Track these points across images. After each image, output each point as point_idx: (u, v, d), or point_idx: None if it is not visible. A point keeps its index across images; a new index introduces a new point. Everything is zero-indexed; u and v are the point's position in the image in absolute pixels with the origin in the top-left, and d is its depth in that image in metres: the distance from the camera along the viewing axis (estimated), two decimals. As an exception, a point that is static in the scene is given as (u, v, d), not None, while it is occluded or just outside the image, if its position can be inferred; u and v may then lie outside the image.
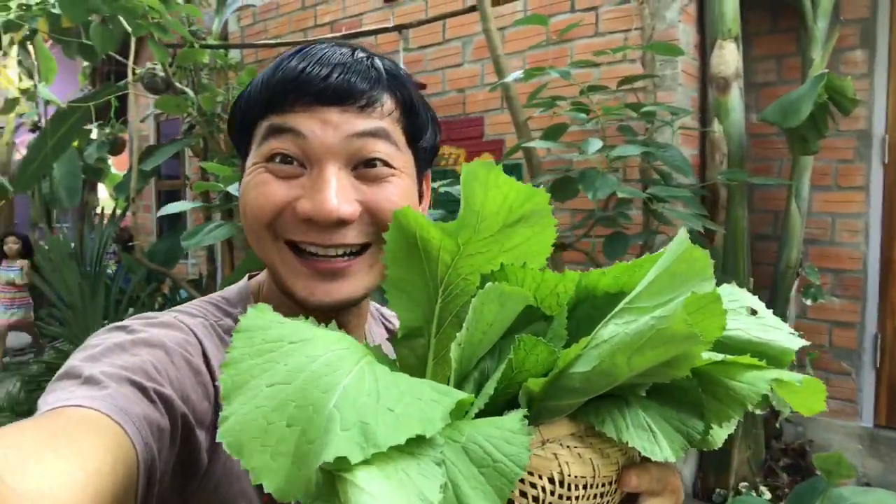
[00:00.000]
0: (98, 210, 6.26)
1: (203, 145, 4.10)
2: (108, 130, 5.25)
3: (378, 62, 0.67)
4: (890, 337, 3.08)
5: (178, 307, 0.71)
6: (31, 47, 5.42)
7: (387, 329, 0.88)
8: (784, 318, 3.13)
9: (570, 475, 0.46)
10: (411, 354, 0.56)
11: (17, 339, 6.15)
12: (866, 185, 3.06)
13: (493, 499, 0.38)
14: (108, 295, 4.24)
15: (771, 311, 0.56)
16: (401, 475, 0.36)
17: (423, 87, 3.36)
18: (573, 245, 2.25)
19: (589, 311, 0.53)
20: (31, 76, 6.11)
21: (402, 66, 2.97)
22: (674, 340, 0.41)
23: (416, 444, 0.37)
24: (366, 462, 0.35)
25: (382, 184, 0.65)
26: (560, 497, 0.46)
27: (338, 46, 0.67)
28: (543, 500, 0.45)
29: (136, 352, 0.58)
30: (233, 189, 2.13)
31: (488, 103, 3.31)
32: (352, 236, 0.65)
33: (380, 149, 0.65)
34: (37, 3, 3.82)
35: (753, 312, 0.55)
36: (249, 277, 0.78)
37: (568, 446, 0.47)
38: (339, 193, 0.63)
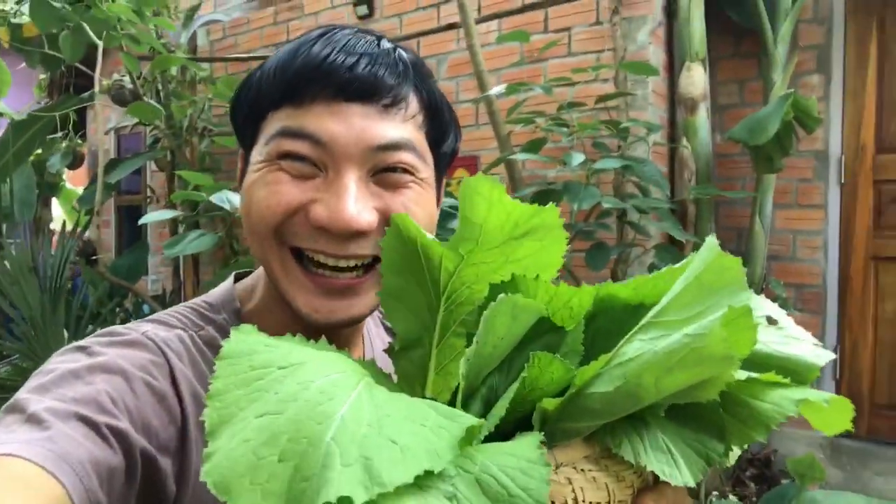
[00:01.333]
0: (52, 226, 6.09)
1: (170, 158, 4.05)
2: (65, 144, 5.13)
3: (404, 54, 0.63)
4: (849, 349, 3.21)
5: (156, 314, 0.66)
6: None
7: (385, 328, 0.83)
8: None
9: (584, 500, 0.44)
10: (410, 366, 0.53)
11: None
12: (824, 203, 3.20)
13: None
14: (69, 310, 4.12)
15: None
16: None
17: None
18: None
19: (607, 325, 0.50)
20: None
21: None
22: (709, 361, 0.39)
23: (424, 477, 0.33)
24: (371, 503, 0.31)
25: (402, 192, 0.62)
26: None
27: (362, 33, 0.63)
28: None
29: (90, 380, 0.54)
30: (215, 199, 2.12)
31: (463, 120, 3.35)
32: (366, 248, 0.60)
33: (404, 159, 0.61)
34: (-1, 12, 3.76)
35: (773, 322, 0.52)
36: (236, 278, 0.73)
37: (582, 470, 0.45)
38: (358, 202, 0.58)
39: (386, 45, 0.62)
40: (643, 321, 0.44)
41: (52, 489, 0.45)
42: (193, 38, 4.54)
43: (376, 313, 0.82)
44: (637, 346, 0.42)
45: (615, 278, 2.09)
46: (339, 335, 0.68)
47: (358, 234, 0.59)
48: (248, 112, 0.63)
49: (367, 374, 0.41)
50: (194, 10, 4.24)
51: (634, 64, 2.28)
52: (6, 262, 3.88)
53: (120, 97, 3.83)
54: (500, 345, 0.47)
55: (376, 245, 0.57)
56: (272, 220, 0.60)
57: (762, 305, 0.53)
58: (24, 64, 4.25)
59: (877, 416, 3.18)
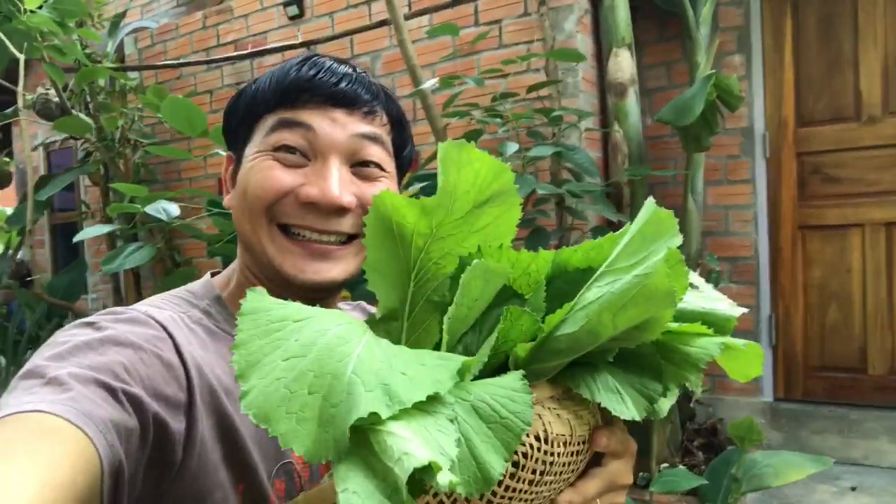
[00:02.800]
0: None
1: (104, 171, 3.94)
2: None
3: (375, 82, 0.76)
4: (782, 317, 3.36)
5: (144, 301, 0.71)
6: None
7: (362, 312, 0.92)
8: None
9: (552, 433, 0.49)
10: (387, 337, 0.56)
11: None
12: (752, 178, 3.33)
13: (502, 452, 0.41)
14: (5, 335, 3.99)
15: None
16: (423, 431, 0.38)
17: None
18: (495, 246, 2.34)
19: (562, 286, 0.56)
20: None
21: None
22: (655, 296, 0.45)
23: (430, 404, 0.40)
24: (393, 417, 0.38)
25: (374, 183, 0.73)
26: (545, 453, 0.49)
27: (339, 62, 0.74)
28: (531, 456, 0.48)
29: (103, 351, 0.58)
30: (151, 209, 2.08)
31: (424, 138, 3.38)
32: (346, 225, 0.71)
33: (375, 153, 0.73)
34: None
35: (694, 287, 0.60)
36: (212, 275, 0.80)
37: (549, 408, 0.51)
38: (341, 183, 0.70)
39: (360, 71, 0.75)
40: (598, 271, 0.51)
41: (79, 440, 0.48)
42: (121, 46, 4.43)
43: (353, 304, 0.93)
44: (595, 292, 0.48)
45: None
46: None
47: (340, 211, 0.70)
48: (244, 115, 0.74)
49: (369, 329, 0.46)
50: (120, 17, 4.13)
51: (562, 51, 2.34)
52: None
53: (46, 111, 3.71)
54: (473, 306, 0.52)
55: (354, 224, 0.71)
56: (266, 200, 0.69)
57: None
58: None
59: (811, 377, 3.34)
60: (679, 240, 0.46)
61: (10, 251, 4.56)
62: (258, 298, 0.44)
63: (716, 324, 0.56)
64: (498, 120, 2.18)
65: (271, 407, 0.37)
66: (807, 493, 2.88)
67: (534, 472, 0.48)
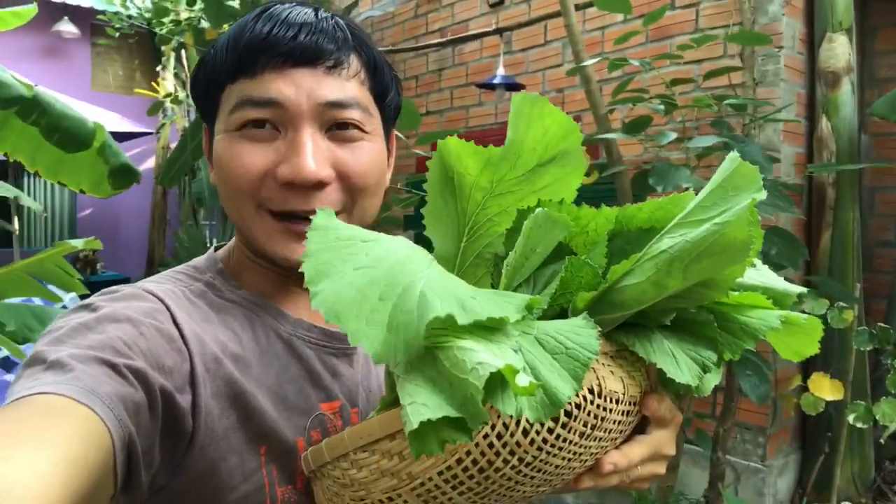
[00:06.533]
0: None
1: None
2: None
3: (341, 21, 0.69)
4: None
5: (146, 279, 0.71)
6: (185, 59, 6.05)
7: None
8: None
9: (606, 388, 0.49)
10: None
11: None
12: None
13: (569, 380, 0.40)
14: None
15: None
16: (493, 348, 0.38)
17: (521, 87, 3.43)
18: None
19: (622, 245, 0.55)
20: (184, 86, 6.80)
21: (501, 69, 2.97)
22: (731, 247, 0.43)
23: (493, 333, 0.39)
24: (465, 331, 0.38)
25: (353, 148, 0.68)
26: (598, 407, 0.48)
27: (300, 6, 0.68)
28: (584, 408, 0.48)
29: (101, 329, 0.57)
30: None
31: (586, 103, 3.32)
32: (329, 201, 0.66)
33: (351, 114, 0.67)
34: (185, 19, 4.28)
35: (752, 266, 0.59)
36: (216, 249, 0.78)
37: (603, 364, 0.50)
38: (315, 156, 0.64)
39: (323, 15, 0.68)
40: (672, 223, 0.49)
41: (87, 417, 0.47)
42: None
43: None
44: (668, 241, 0.47)
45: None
46: None
47: (320, 186, 0.65)
48: (206, 87, 0.70)
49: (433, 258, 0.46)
50: (350, 8, 4.55)
51: (745, 34, 2.14)
52: (185, 240, 4.45)
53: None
54: (532, 256, 0.53)
55: (336, 200, 0.67)
56: (245, 187, 0.66)
57: None
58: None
59: None
60: (763, 194, 0.43)
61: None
62: (327, 216, 0.45)
63: (775, 299, 0.54)
64: (661, 107, 2.06)
65: (342, 306, 0.37)
66: None
67: (585, 424, 0.48)
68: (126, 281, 6.87)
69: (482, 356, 0.36)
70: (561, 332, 0.42)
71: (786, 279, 0.59)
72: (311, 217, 0.64)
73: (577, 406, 0.47)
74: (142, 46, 7.52)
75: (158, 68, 6.78)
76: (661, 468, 0.60)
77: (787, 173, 2.75)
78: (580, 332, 0.42)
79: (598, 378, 0.49)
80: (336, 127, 0.67)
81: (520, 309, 0.40)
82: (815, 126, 2.82)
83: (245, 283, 0.73)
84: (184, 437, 0.59)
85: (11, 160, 1.76)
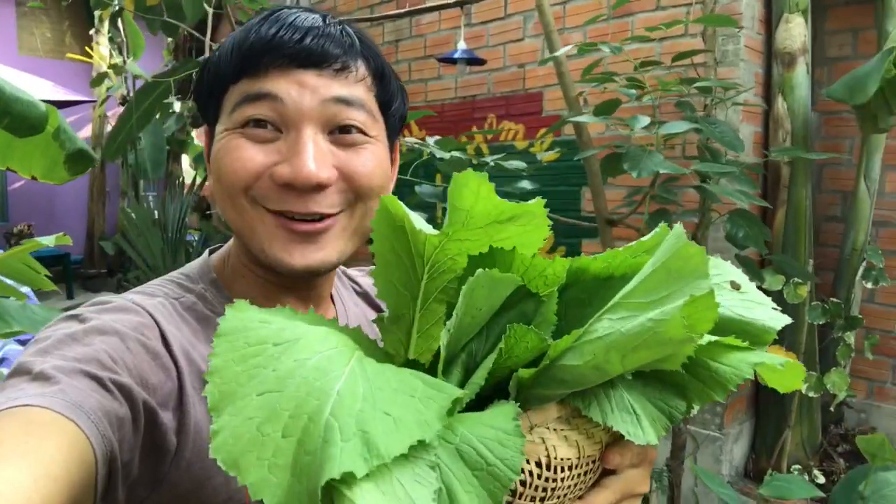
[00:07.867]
0: (180, 180, 6.61)
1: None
2: (189, 105, 5.52)
3: (350, 29, 0.68)
4: (963, 324, 2.96)
5: (137, 288, 0.70)
6: (120, 25, 5.75)
7: (355, 291, 0.88)
8: (849, 301, 3.00)
9: (556, 458, 0.47)
10: (397, 331, 0.55)
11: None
12: (944, 165, 2.92)
13: (487, 502, 0.37)
14: (189, 259, 4.52)
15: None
16: (396, 487, 0.35)
17: (483, 62, 3.40)
18: (622, 221, 2.27)
19: (578, 295, 0.53)
20: (120, 52, 6.48)
21: (462, 41, 2.93)
22: (669, 343, 0.41)
23: (412, 448, 0.36)
24: (367, 476, 0.34)
25: (358, 150, 0.66)
26: (546, 480, 0.46)
27: (308, 12, 0.67)
28: (530, 485, 0.46)
29: (88, 341, 0.57)
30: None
31: (548, 79, 3.31)
32: (327, 204, 0.65)
33: (355, 117, 0.65)
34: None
35: (737, 287, 0.55)
36: (210, 252, 0.77)
37: (555, 429, 0.48)
38: (316, 157, 0.63)
39: (331, 21, 0.67)
40: (612, 301, 0.47)
41: (71, 431, 0.47)
42: (297, 2, 4.71)
43: (343, 275, 0.89)
44: (606, 325, 0.45)
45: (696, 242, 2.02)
46: (311, 294, 0.75)
47: (319, 188, 0.64)
48: (210, 88, 0.68)
49: (357, 346, 0.43)
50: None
51: (713, 17, 2.16)
52: (133, 216, 4.30)
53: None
54: (478, 315, 0.50)
55: (337, 201, 0.66)
56: (240, 183, 0.64)
57: (727, 270, 0.56)
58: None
59: None
60: (708, 283, 0.41)
61: (196, 186, 5.11)
62: (237, 316, 0.41)
63: (752, 334, 0.51)
64: (632, 92, 2.08)
65: (241, 452, 0.35)
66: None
67: (532, 499, 0.46)
68: (65, 257, 6.60)
69: None
70: (485, 441, 0.40)
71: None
72: (311, 218, 0.64)
73: (523, 483, 0.45)
74: (72, 8, 7.11)
75: (91, 32, 6.44)
76: None
77: (746, 152, 2.81)
78: (505, 443, 0.40)
79: (546, 449, 0.46)
80: (339, 130, 0.66)
81: (442, 417, 0.38)
82: (772, 106, 2.89)
83: (238, 294, 0.71)
84: (166, 454, 0.59)
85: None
